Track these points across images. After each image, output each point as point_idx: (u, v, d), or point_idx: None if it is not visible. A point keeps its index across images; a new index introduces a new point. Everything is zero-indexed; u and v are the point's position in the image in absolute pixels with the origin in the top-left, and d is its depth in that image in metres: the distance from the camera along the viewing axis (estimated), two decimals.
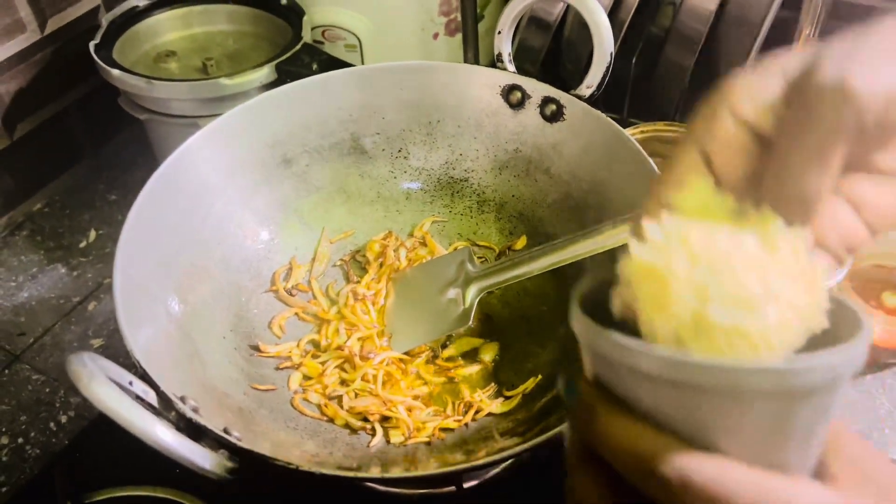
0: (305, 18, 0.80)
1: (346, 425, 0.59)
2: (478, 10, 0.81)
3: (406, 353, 0.63)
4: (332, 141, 0.71)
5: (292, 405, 0.60)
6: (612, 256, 0.33)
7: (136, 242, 0.55)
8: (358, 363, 0.62)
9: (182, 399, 0.46)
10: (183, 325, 0.57)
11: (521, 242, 0.70)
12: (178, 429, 0.43)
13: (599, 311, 0.27)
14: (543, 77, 0.66)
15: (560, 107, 0.66)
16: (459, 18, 0.82)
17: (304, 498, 0.59)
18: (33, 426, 0.67)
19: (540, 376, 0.61)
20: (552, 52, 0.87)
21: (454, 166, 0.73)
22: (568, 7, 0.84)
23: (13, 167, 0.84)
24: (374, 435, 0.58)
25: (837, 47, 0.27)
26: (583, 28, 0.66)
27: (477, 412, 0.60)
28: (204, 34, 0.86)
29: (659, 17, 0.84)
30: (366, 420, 0.59)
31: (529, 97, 0.67)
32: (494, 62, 0.68)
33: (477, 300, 0.63)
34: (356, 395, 0.61)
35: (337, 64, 0.73)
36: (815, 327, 0.26)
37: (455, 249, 0.71)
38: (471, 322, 0.62)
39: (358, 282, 0.69)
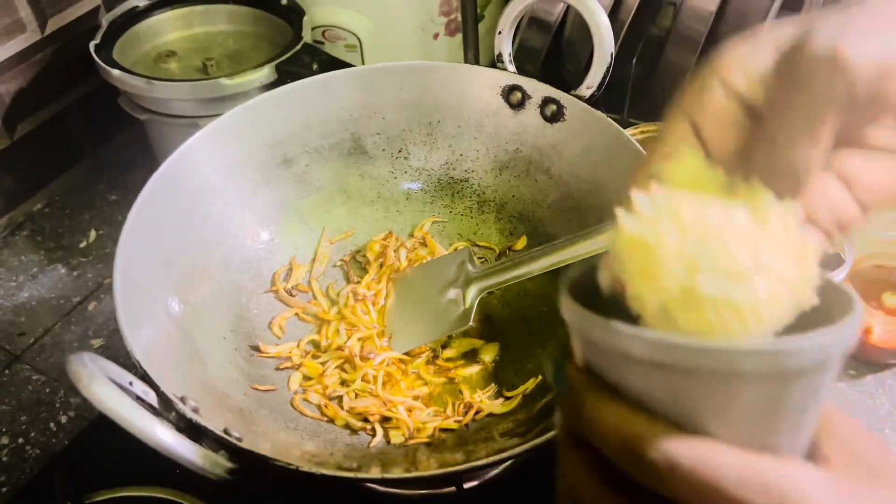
0: (306, 18, 0.80)
1: (347, 426, 0.59)
2: (478, 11, 0.81)
3: (406, 354, 0.63)
4: (332, 141, 0.71)
5: (292, 406, 0.60)
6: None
7: (136, 242, 0.55)
8: (358, 363, 0.61)
9: (182, 399, 0.46)
10: (183, 325, 0.57)
11: (521, 243, 0.70)
12: (179, 429, 0.43)
13: (589, 298, 0.27)
14: (544, 77, 0.66)
15: (560, 107, 0.66)
16: (460, 18, 0.82)
17: (304, 498, 0.59)
18: (33, 426, 0.67)
19: (540, 377, 0.61)
20: (552, 53, 0.87)
21: (454, 166, 0.73)
22: (568, 7, 0.84)
23: (13, 167, 0.84)
24: (374, 435, 0.58)
25: (830, 19, 0.27)
26: (583, 28, 0.66)
27: (477, 413, 0.60)
28: (204, 34, 0.85)
29: (659, 18, 0.84)
30: (366, 420, 0.59)
31: (530, 97, 0.67)
32: (495, 62, 0.68)
33: (477, 301, 0.63)
34: (356, 395, 0.61)
35: (337, 64, 0.73)
36: (805, 303, 0.26)
37: (455, 250, 0.71)
38: (471, 322, 0.62)
39: (358, 282, 0.69)
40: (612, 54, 0.63)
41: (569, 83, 0.66)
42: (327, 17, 0.85)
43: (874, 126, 0.28)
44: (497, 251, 0.71)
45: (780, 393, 0.24)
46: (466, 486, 0.58)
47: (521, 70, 0.68)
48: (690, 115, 0.30)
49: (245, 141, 0.66)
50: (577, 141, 0.65)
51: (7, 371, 0.72)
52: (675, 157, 0.30)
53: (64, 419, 0.68)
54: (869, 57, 0.26)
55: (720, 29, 0.82)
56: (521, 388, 0.60)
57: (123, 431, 0.40)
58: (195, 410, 0.46)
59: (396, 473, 0.50)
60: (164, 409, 0.45)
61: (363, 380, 0.61)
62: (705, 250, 0.25)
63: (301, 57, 0.75)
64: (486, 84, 0.68)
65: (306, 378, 0.62)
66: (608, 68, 0.63)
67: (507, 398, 0.60)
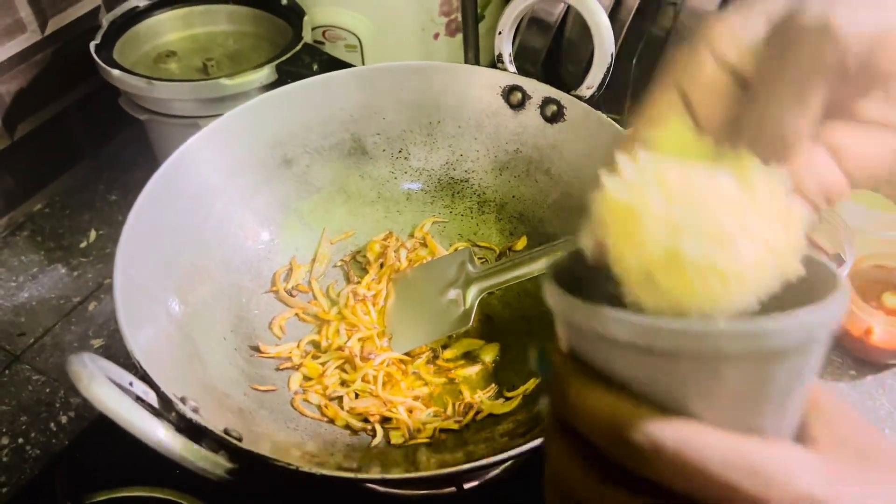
0: (306, 19, 0.80)
1: (347, 426, 0.59)
2: (478, 11, 0.81)
3: (406, 354, 0.63)
4: (332, 141, 0.71)
5: (292, 406, 0.60)
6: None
7: (136, 243, 0.55)
8: (358, 364, 0.61)
9: (182, 400, 0.46)
10: (183, 325, 0.57)
11: (521, 243, 0.70)
12: (179, 429, 0.43)
13: (574, 285, 0.27)
14: (544, 78, 0.66)
15: (560, 107, 0.66)
16: (460, 19, 0.82)
17: (304, 498, 0.59)
18: (33, 426, 0.67)
19: (542, 377, 0.61)
20: (553, 53, 0.87)
21: (455, 167, 0.72)
22: (569, 8, 0.84)
23: (14, 167, 0.84)
24: (374, 436, 0.58)
25: None
26: (583, 29, 0.66)
27: (477, 413, 0.60)
28: (204, 34, 0.85)
29: (660, 18, 0.84)
30: (366, 421, 0.59)
31: (530, 98, 0.67)
32: (495, 63, 0.68)
33: (477, 301, 0.63)
34: (356, 395, 0.61)
35: (337, 64, 0.73)
36: (791, 271, 0.26)
37: (455, 250, 0.71)
38: (471, 323, 0.62)
39: (358, 282, 0.69)
40: (612, 54, 0.63)
41: (569, 83, 0.66)
42: (327, 17, 0.85)
43: (864, 99, 0.28)
44: (497, 251, 0.71)
45: (764, 374, 0.24)
46: (467, 486, 0.58)
47: (522, 70, 0.68)
48: (679, 85, 0.30)
49: (245, 141, 0.66)
50: (578, 141, 0.65)
51: (7, 371, 0.72)
52: (662, 124, 0.29)
53: (64, 419, 0.68)
54: (860, 27, 0.26)
55: None
56: (522, 389, 0.60)
57: (123, 432, 0.40)
58: (195, 411, 0.46)
59: (396, 474, 0.50)
60: (164, 409, 0.45)
61: (363, 380, 0.61)
62: (690, 214, 0.25)
63: (301, 57, 0.75)
64: (486, 84, 0.68)
65: (306, 378, 0.62)
66: (608, 68, 0.63)
67: (508, 398, 0.60)
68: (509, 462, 0.47)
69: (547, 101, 0.66)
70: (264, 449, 0.46)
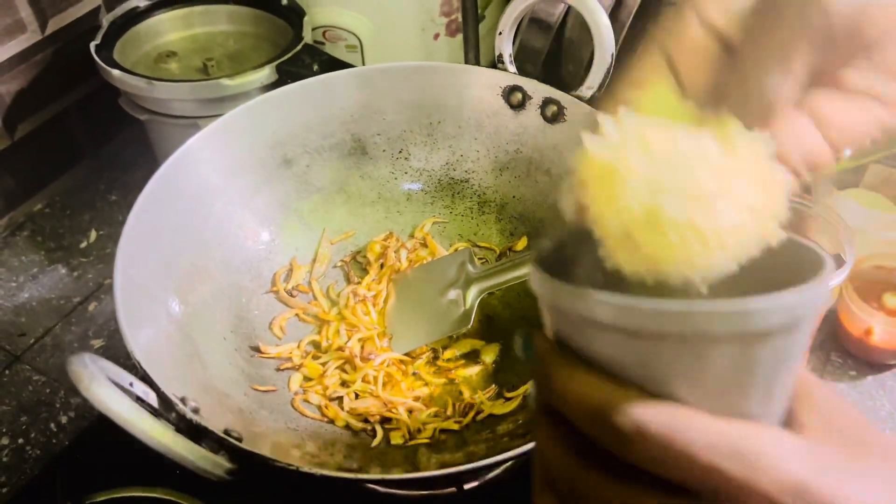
0: (306, 19, 0.80)
1: (347, 426, 0.59)
2: (479, 11, 0.81)
3: (407, 355, 0.63)
4: (332, 141, 0.71)
5: (293, 406, 0.60)
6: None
7: (136, 243, 0.55)
8: (358, 364, 0.61)
9: (182, 400, 0.46)
10: (183, 325, 0.57)
11: (521, 243, 0.70)
12: (179, 430, 0.43)
13: (559, 273, 0.27)
14: (544, 78, 0.66)
15: (561, 108, 0.65)
16: (460, 19, 0.82)
17: (304, 499, 0.59)
18: (34, 427, 0.67)
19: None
20: (553, 53, 0.87)
21: (455, 167, 0.72)
22: (569, 8, 0.84)
23: (14, 167, 0.84)
24: (374, 436, 0.58)
25: None
26: (584, 29, 0.66)
27: (478, 413, 0.60)
28: (205, 35, 0.85)
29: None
30: (366, 421, 0.59)
31: (530, 98, 0.67)
32: (495, 63, 0.68)
33: (478, 301, 0.63)
34: (357, 396, 0.61)
35: (338, 64, 0.73)
36: (771, 236, 0.26)
37: (456, 250, 0.71)
38: (471, 323, 0.62)
39: (359, 283, 0.69)
40: (612, 55, 0.63)
41: (569, 84, 0.66)
42: (328, 17, 0.85)
43: (849, 67, 0.28)
44: (498, 252, 0.71)
45: (749, 355, 0.24)
46: (467, 486, 0.58)
47: (522, 70, 0.68)
48: (665, 48, 0.30)
49: (245, 141, 0.66)
50: (578, 142, 0.65)
51: (7, 371, 0.72)
52: (646, 86, 0.29)
53: (64, 419, 0.68)
54: None
55: None
56: (522, 389, 0.60)
57: (123, 432, 0.40)
58: (195, 411, 0.46)
59: (397, 474, 0.50)
60: (165, 409, 0.45)
61: (363, 380, 0.61)
62: (671, 173, 0.25)
63: (301, 57, 0.75)
64: (486, 84, 0.68)
65: (307, 379, 0.62)
66: (609, 69, 0.63)
67: (508, 399, 0.60)
68: (510, 462, 0.47)
69: (547, 102, 0.66)
70: (264, 449, 0.46)
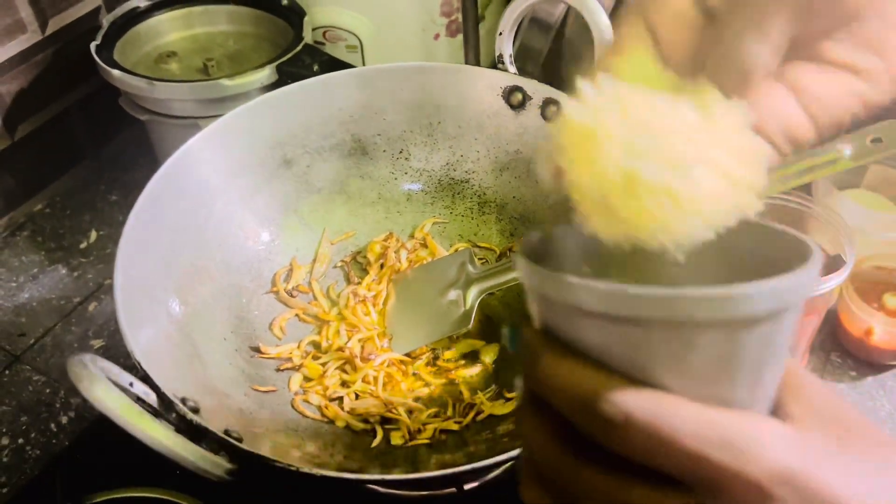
0: (306, 19, 0.80)
1: (347, 427, 0.59)
2: (479, 11, 0.81)
3: (407, 355, 0.63)
4: (332, 142, 0.71)
5: (293, 407, 0.60)
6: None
7: (136, 243, 0.55)
8: (359, 364, 0.61)
9: (183, 400, 0.46)
10: (183, 326, 0.57)
11: None
12: (179, 430, 0.43)
13: (546, 262, 0.27)
14: (544, 78, 0.66)
15: (561, 108, 0.65)
16: (460, 19, 0.82)
17: (304, 499, 0.59)
18: (34, 427, 0.67)
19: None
20: (553, 54, 0.87)
21: (455, 167, 0.72)
22: (569, 8, 0.84)
23: (14, 168, 0.84)
24: (374, 436, 0.58)
25: None
26: (584, 29, 0.66)
27: (478, 414, 0.60)
28: (205, 35, 0.85)
29: None
30: (366, 422, 0.59)
31: (530, 98, 0.67)
32: (495, 63, 0.68)
33: (478, 302, 0.63)
34: (357, 396, 0.61)
35: (338, 65, 0.73)
36: (748, 206, 0.26)
37: (456, 251, 0.71)
38: (471, 324, 0.62)
39: (359, 283, 0.69)
40: None
41: (569, 84, 0.65)
42: (328, 17, 0.85)
43: (829, 41, 0.28)
44: (498, 252, 0.71)
45: (735, 343, 0.24)
46: (467, 487, 0.58)
47: (522, 71, 0.68)
48: (647, 16, 0.29)
49: (246, 142, 0.66)
50: None
51: (7, 372, 0.72)
52: (626, 53, 0.29)
53: (64, 420, 0.68)
54: None
55: None
56: None
57: (123, 432, 0.41)
58: (195, 411, 0.46)
59: (397, 475, 0.50)
60: (165, 410, 0.45)
61: (364, 381, 0.61)
62: (649, 138, 0.25)
63: (302, 58, 0.75)
64: (486, 85, 0.68)
65: (307, 379, 0.62)
66: None
67: (508, 399, 0.60)
68: (510, 463, 0.47)
69: (548, 102, 0.66)
70: (264, 450, 0.46)
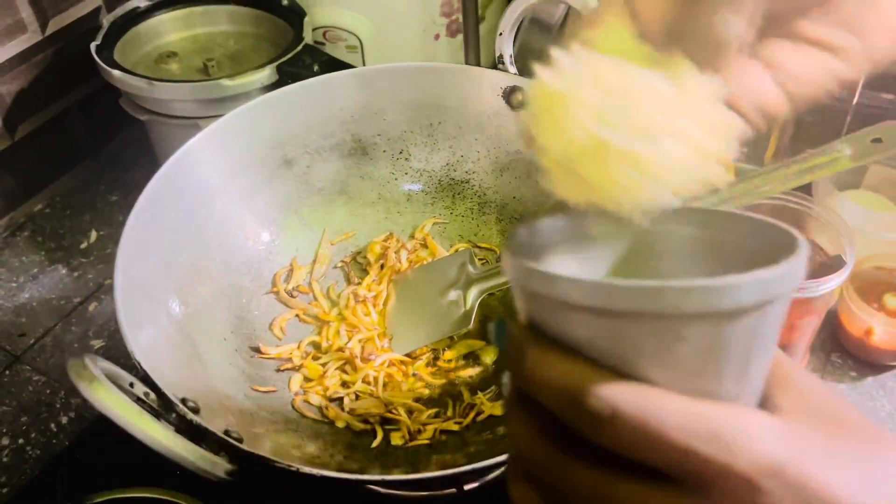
0: (306, 19, 0.80)
1: (347, 427, 0.59)
2: (479, 12, 0.81)
3: (407, 355, 0.63)
4: (333, 142, 0.71)
5: (293, 407, 0.60)
6: None
7: (136, 243, 0.55)
8: (359, 365, 0.61)
9: (183, 401, 0.46)
10: (183, 326, 0.57)
11: None
12: (179, 430, 0.43)
13: (533, 258, 0.27)
14: None
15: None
16: (461, 20, 0.82)
17: (304, 499, 0.59)
18: (34, 427, 0.67)
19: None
20: None
21: (455, 168, 0.72)
22: (569, 8, 0.84)
23: (14, 168, 0.84)
24: (374, 437, 0.58)
25: None
26: None
27: (478, 414, 0.60)
28: (205, 35, 0.85)
29: None
30: (367, 422, 0.59)
31: None
32: (496, 63, 0.68)
33: (478, 302, 0.62)
34: (357, 396, 0.61)
35: (338, 65, 0.73)
36: (716, 178, 0.26)
37: (456, 251, 0.70)
38: (472, 324, 0.62)
39: (359, 283, 0.69)
40: None
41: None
42: (328, 17, 0.85)
43: (805, 18, 0.28)
44: (498, 253, 0.71)
45: (722, 335, 0.24)
46: (467, 487, 0.58)
47: (522, 71, 0.68)
48: None
49: (246, 142, 0.66)
50: None
51: (7, 372, 0.72)
52: (603, 25, 0.29)
53: (64, 420, 0.68)
54: None
55: None
56: None
57: (123, 432, 0.41)
58: (195, 412, 0.46)
59: (397, 475, 0.50)
60: (165, 410, 0.45)
61: (364, 381, 0.61)
62: (619, 105, 0.25)
63: (302, 58, 0.75)
64: (487, 85, 0.68)
65: (307, 379, 0.62)
66: None
67: None
68: None
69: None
70: (265, 450, 0.46)
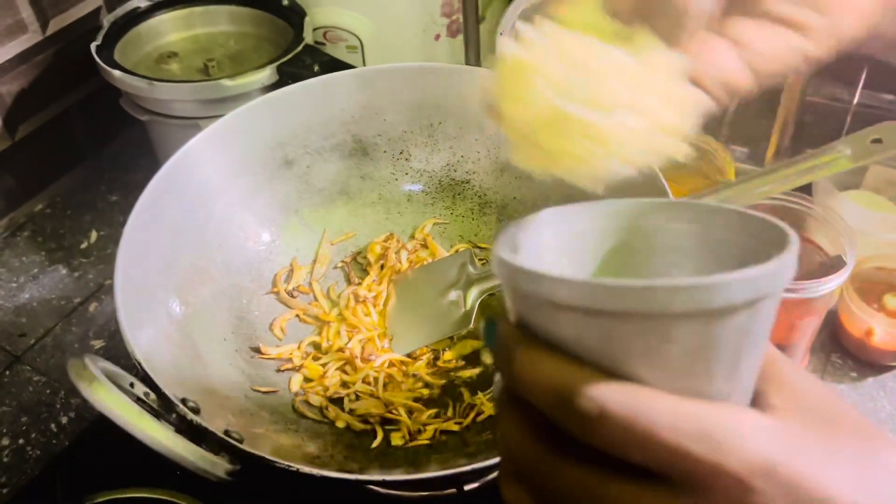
0: (307, 19, 0.80)
1: (347, 427, 0.59)
2: (479, 12, 0.81)
3: (407, 356, 0.63)
4: (333, 142, 0.71)
5: (293, 407, 0.60)
6: None
7: (137, 243, 0.55)
8: (359, 365, 0.61)
9: (183, 401, 0.46)
10: (184, 326, 0.57)
11: None
12: (179, 431, 0.43)
13: (523, 257, 0.27)
14: None
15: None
16: (461, 20, 0.82)
17: (304, 500, 0.59)
18: (34, 427, 0.67)
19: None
20: None
21: (455, 168, 0.72)
22: None
23: (15, 168, 0.84)
24: (375, 437, 0.58)
25: None
26: None
27: (478, 414, 0.60)
28: (205, 35, 0.86)
29: None
30: (367, 422, 0.59)
31: None
32: None
33: (478, 302, 0.62)
34: (357, 397, 0.61)
35: (338, 65, 0.73)
36: (675, 151, 0.26)
37: (456, 251, 0.71)
38: (472, 324, 0.62)
39: (359, 283, 0.69)
40: None
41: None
42: (328, 18, 0.85)
43: None
44: None
45: (712, 334, 0.23)
46: (467, 487, 0.58)
47: None
48: None
49: (246, 142, 0.66)
50: None
51: (8, 372, 0.72)
52: (572, 1, 0.29)
53: (64, 420, 0.68)
54: None
55: None
56: None
57: (123, 432, 0.41)
58: (196, 412, 0.46)
59: (397, 475, 0.50)
60: (165, 410, 0.45)
61: (364, 381, 0.61)
62: (581, 77, 0.25)
63: (302, 58, 0.75)
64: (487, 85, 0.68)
65: (307, 380, 0.62)
66: None
67: None
68: None
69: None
70: (265, 450, 0.46)
